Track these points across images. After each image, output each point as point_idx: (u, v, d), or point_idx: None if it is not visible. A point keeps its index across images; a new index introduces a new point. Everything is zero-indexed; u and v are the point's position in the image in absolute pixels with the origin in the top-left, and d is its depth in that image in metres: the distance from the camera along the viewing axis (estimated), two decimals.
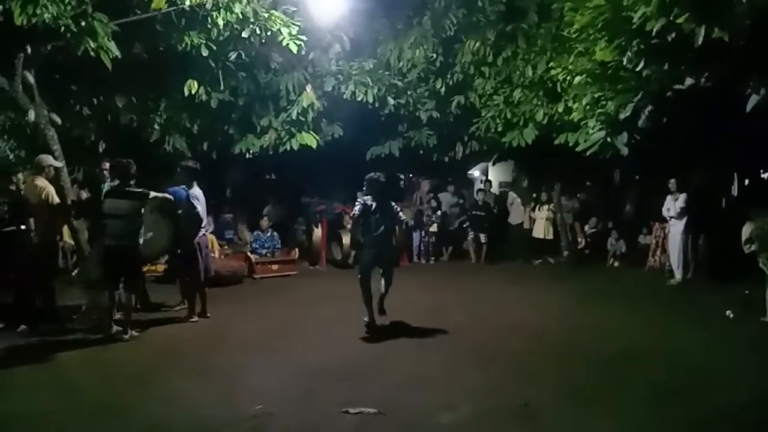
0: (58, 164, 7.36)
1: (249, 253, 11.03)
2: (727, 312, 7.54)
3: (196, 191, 7.24)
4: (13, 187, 7.04)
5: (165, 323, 7.17)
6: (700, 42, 5.29)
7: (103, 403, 4.53)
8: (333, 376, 5.21)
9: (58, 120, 8.06)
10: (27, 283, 7.03)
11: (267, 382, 5.07)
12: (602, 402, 4.64)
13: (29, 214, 6.85)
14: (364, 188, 7.27)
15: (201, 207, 7.24)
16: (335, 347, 6.15)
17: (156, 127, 10.19)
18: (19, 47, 7.32)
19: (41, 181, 7.01)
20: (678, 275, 9.86)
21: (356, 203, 7.22)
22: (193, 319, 7.25)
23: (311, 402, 4.61)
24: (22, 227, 6.84)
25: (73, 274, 7.89)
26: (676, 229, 9.87)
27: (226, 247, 11.17)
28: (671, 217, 9.92)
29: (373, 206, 7.03)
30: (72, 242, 8.69)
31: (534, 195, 13.13)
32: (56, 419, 4.26)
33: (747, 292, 8.67)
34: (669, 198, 9.97)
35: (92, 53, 6.89)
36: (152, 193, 6.63)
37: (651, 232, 11.68)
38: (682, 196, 9.76)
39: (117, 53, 7.12)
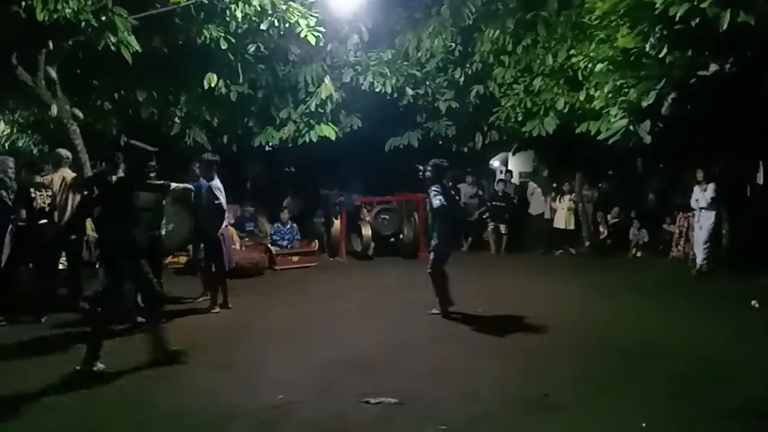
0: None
1: (269, 245, 11.10)
2: (753, 302, 7.43)
3: (218, 183, 7.29)
4: (39, 179, 7.21)
5: (187, 314, 7.24)
6: (725, 27, 5.20)
7: (127, 392, 4.60)
8: (354, 367, 5.22)
9: (80, 114, 8.17)
10: (51, 272, 7.17)
11: (288, 373, 5.09)
12: (625, 393, 4.59)
13: (56, 206, 7.04)
14: (432, 175, 7.08)
15: (223, 199, 7.29)
16: (356, 338, 6.16)
17: (176, 120, 10.31)
18: (42, 43, 7.42)
19: (66, 172, 7.20)
20: (699, 263, 9.71)
21: (435, 191, 6.91)
22: (215, 311, 7.32)
23: (332, 393, 4.63)
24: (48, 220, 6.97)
25: (97, 266, 7.99)
26: (705, 219, 9.70)
27: (246, 239, 11.25)
28: (701, 208, 9.75)
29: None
30: (95, 235, 8.81)
31: (554, 185, 13.02)
32: (79, 408, 4.32)
33: None
34: (697, 188, 9.79)
35: (113, 48, 6.98)
36: (173, 184, 6.68)
37: (675, 222, 11.52)
38: (711, 186, 9.59)
39: (137, 47, 7.18)
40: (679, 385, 4.75)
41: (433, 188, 6.99)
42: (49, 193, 6.95)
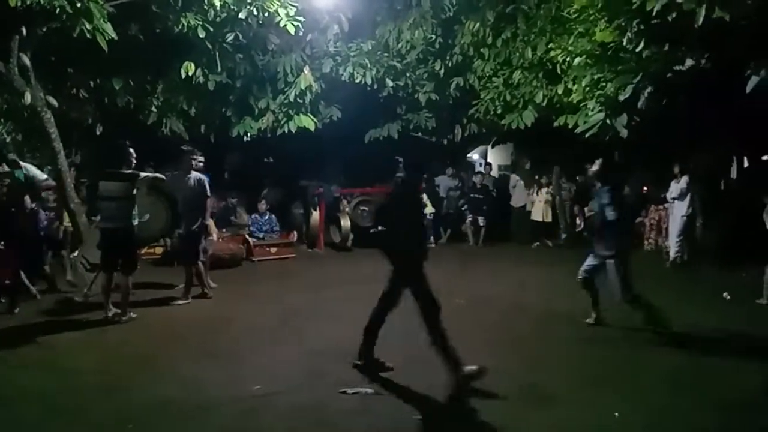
0: None
1: (247, 236, 11.03)
2: (724, 294, 7.56)
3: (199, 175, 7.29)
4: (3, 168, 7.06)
5: (163, 305, 7.19)
6: (700, 22, 5.25)
7: (103, 383, 4.57)
8: (334, 357, 5.23)
9: (55, 103, 8.04)
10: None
11: (268, 363, 5.09)
12: (615, 384, 4.64)
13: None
14: (600, 173, 6.02)
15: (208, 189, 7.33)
16: (336, 329, 6.15)
17: (153, 109, 10.16)
18: (15, 29, 7.28)
19: None
20: (672, 256, 9.86)
21: (608, 198, 5.74)
22: (187, 301, 7.26)
23: (310, 383, 4.64)
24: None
25: (71, 257, 7.90)
26: (678, 211, 9.85)
27: (224, 230, 11.17)
28: (673, 199, 9.90)
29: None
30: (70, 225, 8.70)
31: (537, 177, 13.11)
32: (56, 399, 4.30)
33: (744, 275, 8.70)
34: (673, 182, 9.94)
35: (88, 35, 6.86)
36: (142, 174, 6.61)
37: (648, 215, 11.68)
38: (684, 178, 9.75)
39: (113, 35, 7.07)
40: (668, 376, 4.80)
41: (605, 193, 5.83)
42: (5, 182, 6.76)
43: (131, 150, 6.53)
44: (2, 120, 11.19)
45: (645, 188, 12.29)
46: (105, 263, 6.55)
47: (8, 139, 11.58)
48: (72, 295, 7.32)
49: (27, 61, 7.54)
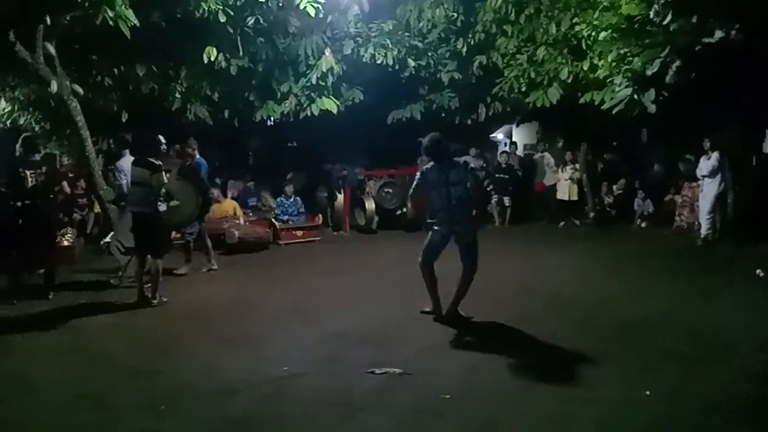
0: None
1: (273, 220, 11.12)
2: (758, 271, 7.42)
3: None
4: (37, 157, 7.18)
5: (193, 289, 7.29)
6: None
7: (133, 367, 4.64)
8: (358, 340, 5.25)
9: (81, 91, 8.14)
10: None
11: (293, 346, 5.13)
12: (629, 365, 4.59)
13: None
14: None
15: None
16: (360, 312, 6.17)
17: (177, 95, 10.23)
18: (39, 19, 7.34)
19: None
20: (703, 233, 9.69)
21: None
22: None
23: (337, 364, 4.67)
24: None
25: (101, 242, 8.05)
26: (708, 188, 9.66)
27: (250, 214, 11.28)
28: (703, 176, 9.71)
29: None
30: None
31: (570, 155, 12.96)
32: (86, 383, 4.37)
33: None
34: (703, 158, 9.75)
35: (111, 22, 6.89)
36: (163, 176, 6.65)
37: (679, 192, 11.47)
38: (714, 155, 9.55)
39: (135, 21, 7.11)
40: (689, 356, 4.72)
41: None
42: (42, 171, 6.87)
43: (160, 139, 6.58)
44: (30, 109, 11.39)
45: None
46: (137, 247, 6.66)
47: (37, 129, 11.78)
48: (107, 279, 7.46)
49: (52, 50, 7.63)
